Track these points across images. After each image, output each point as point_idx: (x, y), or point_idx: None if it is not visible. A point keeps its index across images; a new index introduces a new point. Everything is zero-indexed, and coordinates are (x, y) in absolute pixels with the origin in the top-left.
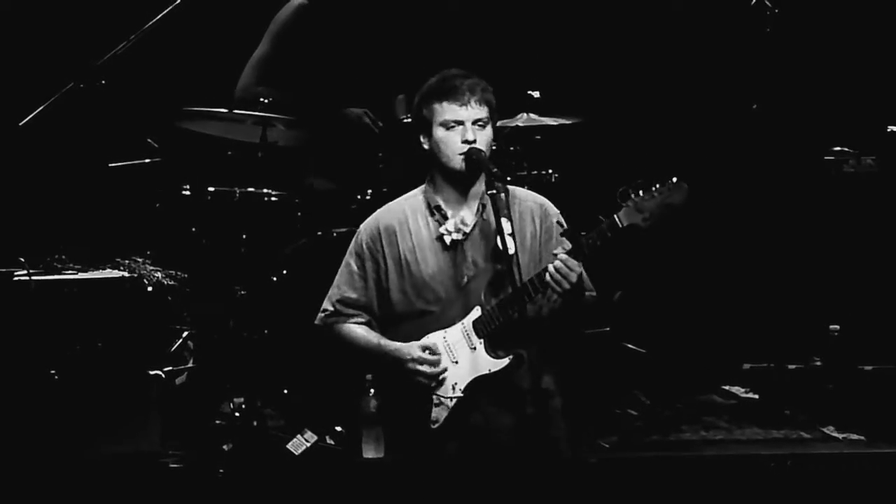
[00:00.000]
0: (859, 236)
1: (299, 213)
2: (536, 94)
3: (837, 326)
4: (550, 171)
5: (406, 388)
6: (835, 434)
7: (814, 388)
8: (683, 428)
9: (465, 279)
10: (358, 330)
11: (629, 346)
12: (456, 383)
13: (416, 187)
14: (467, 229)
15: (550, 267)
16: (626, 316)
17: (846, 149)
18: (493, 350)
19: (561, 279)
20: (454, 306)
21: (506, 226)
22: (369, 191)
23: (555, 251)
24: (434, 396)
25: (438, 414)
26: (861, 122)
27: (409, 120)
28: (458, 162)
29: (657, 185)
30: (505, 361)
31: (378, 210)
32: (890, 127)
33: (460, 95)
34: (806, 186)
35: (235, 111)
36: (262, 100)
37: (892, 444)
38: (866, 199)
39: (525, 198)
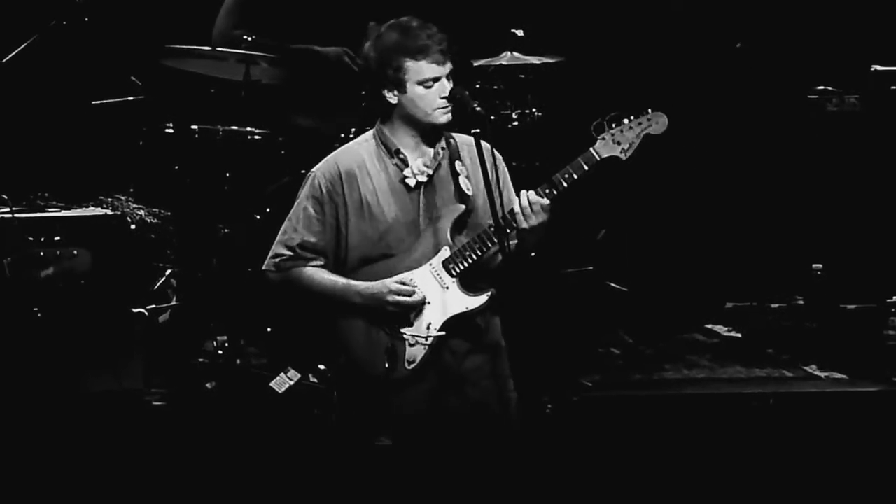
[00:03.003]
0: (842, 175)
1: (282, 152)
2: (520, 33)
3: (820, 265)
4: (534, 109)
5: (374, 330)
6: (817, 373)
7: (796, 327)
8: (666, 367)
9: (427, 221)
10: (320, 272)
11: (612, 284)
12: (430, 323)
13: None
14: (430, 171)
15: (523, 199)
16: (608, 255)
17: (830, 87)
18: (467, 289)
19: (531, 214)
20: (417, 249)
21: (462, 169)
22: (353, 129)
23: (528, 192)
24: (408, 336)
25: (414, 354)
26: (845, 61)
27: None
28: (437, 117)
29: (632, 117)
30: (483, 298)
31: (332, 154)
32: (873, 65)
33: (434, 53)
34: (789, 125)
35: (219, 49)
36: (244, 37)
37: (873, 383)
38: (849, 137)
39: (470, 142)
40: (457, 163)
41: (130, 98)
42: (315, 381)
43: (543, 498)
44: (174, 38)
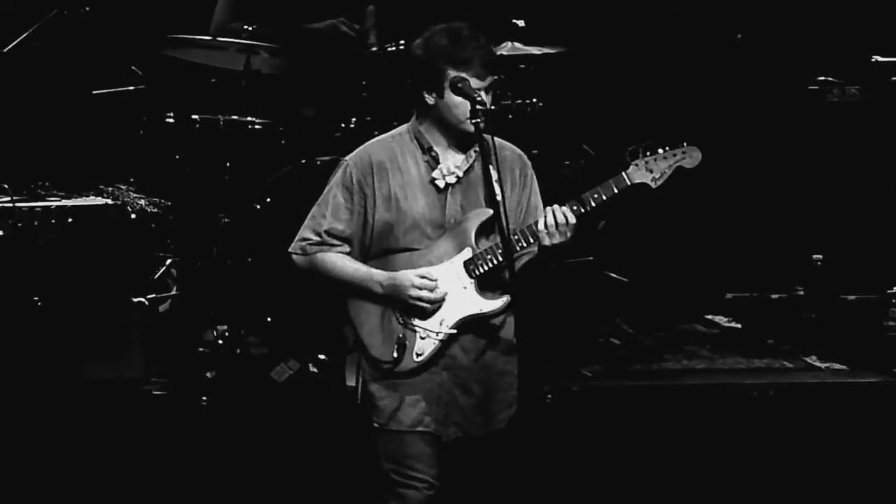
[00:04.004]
0: (843, 166)
1: (283, 142)
2: (521, 23)
3: (820, 256)
4: (534, 100)
5: (387, 318)
6: (817, 363)
7: (796, 318)
8: (666, 357)
9: (452, 221)
10: (343, 259)
11: (612, 275)
12: (444, 319)
13: (399, 115)
14: (460, 174)
15: (549, 215)
16: (609, 245)
17: (830, 78)
18: (484, 291)
19: (555, 232)
20: (440, 247)
21: (493, 173)
22: (353, 119)
23: (560, 207)
24: (420, 329)
25: (423, 347)
26: (845, 52)
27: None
28: (469, 126)
29: (667, 147)
30: (499, 303)
31: (365, 144)
32: (874, 56)
33: (480, 70)
34: (790, 116)
35: (219, 38)
36: (244, 27)
37: (874, 374)
38: (850, 128)
39: (503, 146)
40: (490, 167)
41: (131, 88)
42: (315, 371)
43: (544, 488)
44: (175, 27)
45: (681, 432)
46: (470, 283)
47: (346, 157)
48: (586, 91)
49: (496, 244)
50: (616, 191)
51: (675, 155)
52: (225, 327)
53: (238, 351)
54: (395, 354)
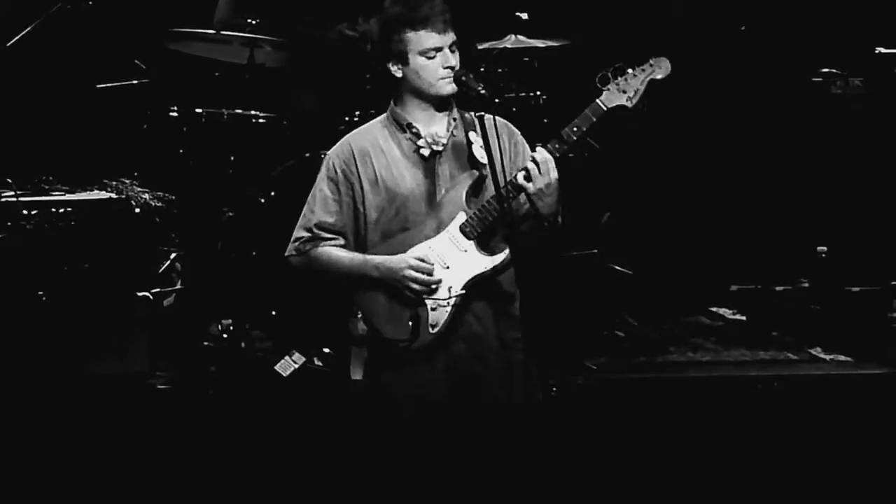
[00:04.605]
0: (847, 157)
1: (287, 135)
2: (525, 16)
3: (825, 248)
4: (538, 92)
5: (394, 300)
6: (822, 355)
7: (801, 310)
8: (671, 349)
9: (444, 191)
10: (337, 251)
11: (617, 267)
12: (451, 286)
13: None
14: (443, 141)
15: (536, 155)
16: (613, 237)
17: (834, 70)
18: (484, 249)
19: (538, 175)
20: (434, 218)
21: (476, 139)
22: (357, 112)
23: (537, 146)
24: (430, 301)
25: (437, 318)
26: (849, 43)
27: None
28: (441, 87)
29: (635, 65)
30: (501, 256)
31: (346, 136)
32: (878, 48)
33: (436, 23)
34: (794, 107)
35: (223, 32)
36: (248, 21)
37: (878, 366)
38: (854, 120)
39: (487, 116)
40: (471, 133)
41: (135, 82)
42: (320, 364)
43: (548, 481)
44: (178, 21)
45: (686, 424)
46: (469, 245)
47: (329, 151)
48: (590, 84)
49: (488, 201)
50: (594, 119)
51: (643, 70)
52: (229, 321)
53: (243, 345)
54: (411, 331)
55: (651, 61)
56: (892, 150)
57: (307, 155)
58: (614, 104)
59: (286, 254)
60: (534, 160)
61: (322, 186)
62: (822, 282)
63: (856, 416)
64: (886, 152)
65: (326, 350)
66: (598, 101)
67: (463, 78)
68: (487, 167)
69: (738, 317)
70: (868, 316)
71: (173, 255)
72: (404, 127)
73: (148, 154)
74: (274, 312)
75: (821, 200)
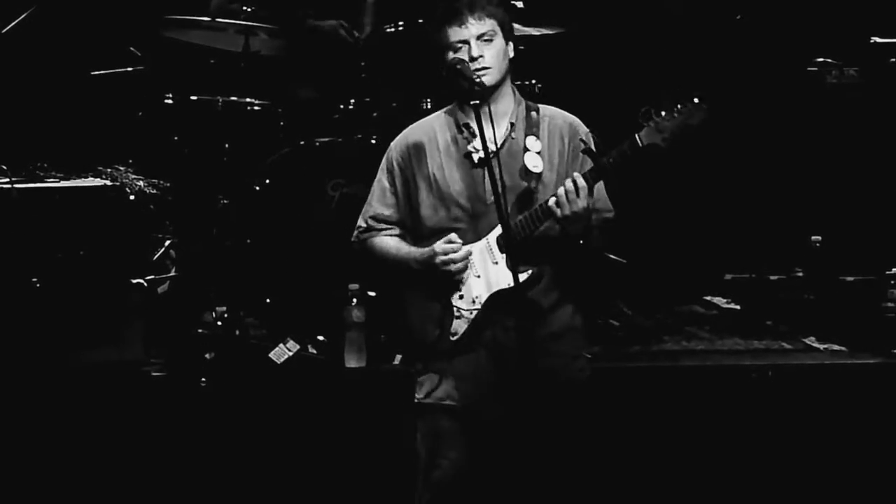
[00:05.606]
0: (842, 147)
1: (282, 123)
2: (520, 4)
3: (819, 237)
4: (534, 81)
5: (429, 300)
6: (816, 345)
7: (795, 299)
8: (665, 338)
9: (491, 198)
10: (388, 241)
11: (610, 256)
12: (478, 296)
13: (397, 97)
14: (496, 146)
15: (560, 190)
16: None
17: (829, 59)
18: (514, 265)
19: (566, 203)
20: (482, 222)
21: (534, 144)
22: (352, 100)
23: (574, 174)
24: (455, 309)
25: (457, 327)
26: (844, 33)
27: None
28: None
29: (679, 106)
30: (524, 275)
31: (408, 127)
32: (873, 37)
33: (460, 15)
34: (789, 97)
35: (218, 19)
36: (244, 8)
37: (872, 355)
38: (849, 109)
39: (555, 115)
40: (529, 138)
41: (130, 69)
42: (314, 352)
43: (542, 470)
44: (174, 8)
45: (680, 414)
46: (501, 258)
47: (392, 142)
48: (585, 72)
49: (525, 217)
50: (629, 154)
51: (682, 114)
52: (224, 309)
53: (237, 332)
54: (437, 335)
55: (692, 104)
56: (887, 139)
57: (302, 143)
58: (649, 143)
59: (351, 240)
60: (566, 186)
61: (381, 177)
62: (817, 271)
63: (850, 406)
64: (881, 142)
65: (321, 338)
66: (637, 135)
67: (458, 66)
68: (538, 177)
69: (732, 306)
70: (862, 305)
71: (168, 243)
72: (460, 126)
73: (143, 141)
74: (268, 300)
75: (815, 190)
